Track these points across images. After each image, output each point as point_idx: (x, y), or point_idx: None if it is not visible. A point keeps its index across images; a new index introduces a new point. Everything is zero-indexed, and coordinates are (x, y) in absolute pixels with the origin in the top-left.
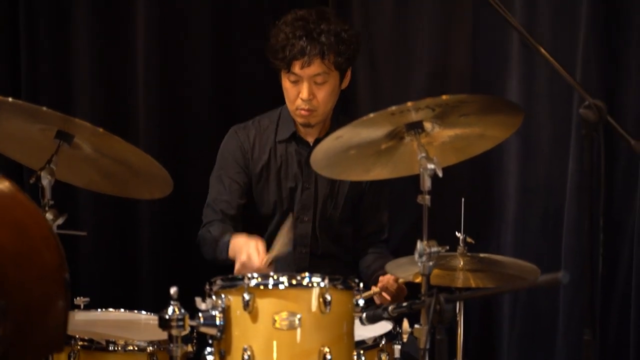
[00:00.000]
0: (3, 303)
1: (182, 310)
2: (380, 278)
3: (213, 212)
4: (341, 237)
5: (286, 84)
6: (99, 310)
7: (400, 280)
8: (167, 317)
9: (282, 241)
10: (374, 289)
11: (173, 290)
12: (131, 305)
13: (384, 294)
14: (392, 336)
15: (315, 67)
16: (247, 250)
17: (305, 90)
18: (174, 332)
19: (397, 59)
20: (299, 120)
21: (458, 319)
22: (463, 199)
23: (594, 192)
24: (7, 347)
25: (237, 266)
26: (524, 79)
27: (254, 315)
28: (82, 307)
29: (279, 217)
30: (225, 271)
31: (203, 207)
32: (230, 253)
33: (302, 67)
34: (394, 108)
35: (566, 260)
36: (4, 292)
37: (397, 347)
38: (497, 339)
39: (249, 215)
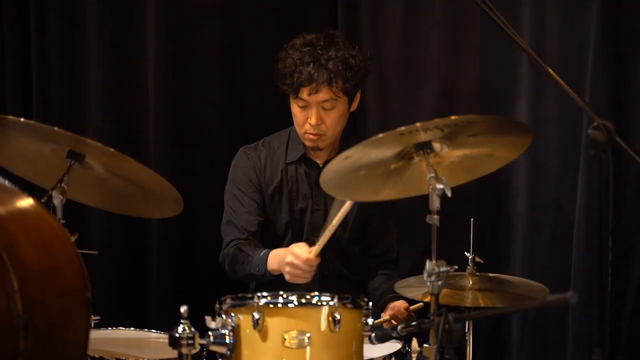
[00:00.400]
0: (26, 317)
1: (192, 329)
2: (391, 305)
3: (236, 230)
4: (350, 257)
5: (294, 108)
6: (110, 329)
7: (412, 307)
8: (177, 335)
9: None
10: (384, 317)
11: (183, 309)
12: (141, 324)
13: (393, 322)
14: (401, 355)
15: (323, 94)
16: (289, 251)
17: (313, 116)
18: (184, 350)
19: (406, 79)
20: (307, 144)
21: (467, 338)
22: (472, 219)
23: (602, 212)
24: None
25: (286, 270)
26: (533, 100)
27: (263, 334)
28: (92, 325)
29: (291, 238)
30: (235, 290)
31: (213, 226)
32: (269, 266)
33: (309, 94)
34: (402, 128)
35: (575, 280)
36: (27, 308)
37: None
38: (506, 358)
39: (263, 235)
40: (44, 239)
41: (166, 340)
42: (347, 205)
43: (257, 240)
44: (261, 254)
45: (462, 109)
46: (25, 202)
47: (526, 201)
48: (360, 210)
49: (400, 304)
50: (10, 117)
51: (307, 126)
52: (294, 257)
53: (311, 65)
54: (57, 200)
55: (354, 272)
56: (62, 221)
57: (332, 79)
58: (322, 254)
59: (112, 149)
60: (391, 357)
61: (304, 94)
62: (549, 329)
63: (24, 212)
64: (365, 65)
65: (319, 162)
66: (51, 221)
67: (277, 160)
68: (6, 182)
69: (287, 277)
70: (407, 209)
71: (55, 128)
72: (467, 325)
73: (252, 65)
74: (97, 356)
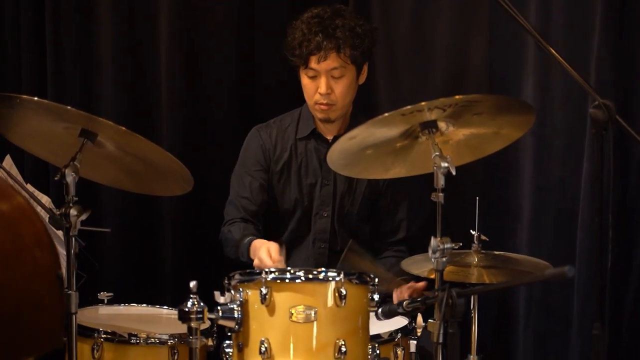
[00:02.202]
0: None
1: (201, 304)
2: (411, 283)
3: (235, 209)
4: (359, 234)
5: (304, 80)
6: (122, 305)
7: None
8: (186, 310)
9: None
10: (401, 282)
11: (192, 284)
12: (153, 300)
13: (405, 292)
14: (407, 331)
15: (331, 61)
16: (258, 254)
17: (323, 84)
18: (193, 324)
19: (416, 61)
20: (318, 115)
21: (472, 315)
22: (477, 198)
23: (604, 190)
24: None
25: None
26: (540, 80)
27: (271, 309)
28: (105, 301)
29: (300, 214)
30: (243, 266)
31: (223, 205)
32: (251, 255)
33: (318, 62)
34: (405, 108)
35: (580, 258)
36: None
37: (413, 342)
38: (513, 335)
39: (270, 212)
40: (9, 219)
41: (177, 316)
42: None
43: (257, 219)
44: (245, 241)
45: (470, 90)
46: None
47: (532, 180)
48: (370, 187)
49: (421, 285)
50: (24, 96)
51: (317, 96)
52: (259, 262)
53: (319, 34)
54: (70, 178)
55: (364, 249)
56: (75, 198)
57: (340, 45)
58: (332, 228)
59: (123, 128)
60: (398, 333)
61: (313, 62)
62: (554, 306)
63: None
64: (372, 34)
65: (329, 137)
66: (17, 199)
67: (287, 137)
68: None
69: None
70: (416, 187)
71: (68, 107)
72: (473, 302)
73: (264, 47)
74: (109, 331)
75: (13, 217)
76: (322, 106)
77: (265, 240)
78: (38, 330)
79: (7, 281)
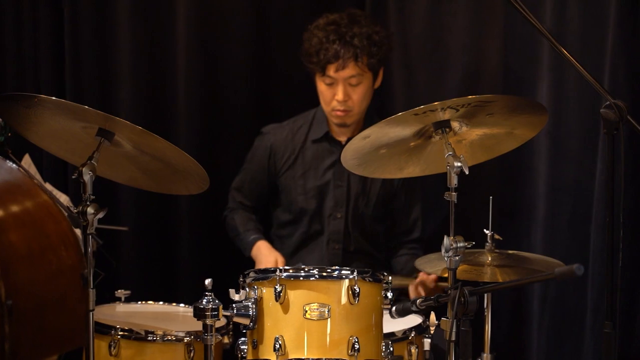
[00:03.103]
0: (10, 303)
1: (216, 301)
2: (420, 274)
3: (233, 200)
4: (373, 235)
5: (321, 86)
6: (139, 302)
7: (441, 284)
8: (201, 307)
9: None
10: (411, 280)
11: (208, 281)
12: (170, 298)
13: (419, 287)
14: (421, 329)
15: (349, 70)
16: (264, 263)
17: (340, 92)
18: (208, 321)
19: (432, 62)
20: (335, 120)
21: (486, 314)
22: (491, 198)
23: (615, 189)
24: (16, 344)
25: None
26: (555, 80)
27: (285, 306)
28: (122, 299)
29: (311, 215)
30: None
31: None
32: (253, 255)
33: (336, 70)
34: (418, 108)
35: (594, 257)
36: (13, 291)
37: (427, 340)
38: (527, 334)
39: (282, 212)
40: (36, 219)
41: (192, 313)
42: None
43: (254, 211)
44: (249, 239)
45: (485, 91)
46: (19, 181)
47: (546, 181)
48: (384, 188)
49: (432, 276)
50: (43, 95)
51: (334, 103)
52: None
53: (337, 42)
54: (88, 176)
55: (377, 249)
56: (92, 197)
57: (357, 54)
58: (346, 229)
59: (140, 127)
60: (412, 331)
61: (331, 70)
62: (568, 305)
63: (14, 192)
64: (388, 41)
65: (342, 139)
66: (45, 199)
67: (298, 138)
68: (6, 160)
69: None
70: (430, 186)
71: (86, 107)
72: (486, 301)
73: (281, 48)
74: (126, 328)
75: (39, 216)
76: (339, 112)
77: (272, 249)
78: (62, 328)
79: (33, 279)
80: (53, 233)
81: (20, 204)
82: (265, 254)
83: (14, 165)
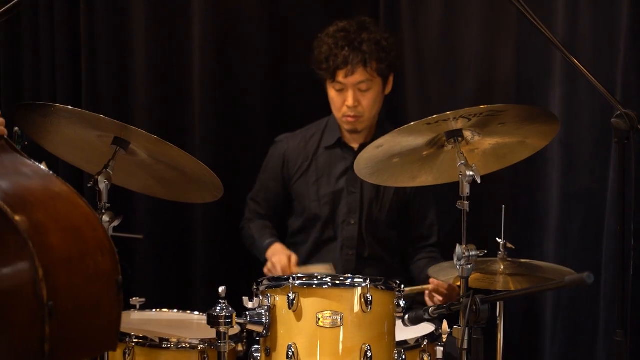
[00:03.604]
0: (51, 304)
1: (230, 308)
2: (431, 280)
3: (249, 210)
4: (387, 241)
5: (332, 93)
6: (154, 310)
7: (452, 281)
8: (215, 314)
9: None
10: (426, 286)
11: (221, 289)
12: (185, 306)
13: (435, 294)
14: (434, 337)
15: (358, 75)
16: (273, 260)
17: (350, 97)
18: (222, 329)
19: (444, 70)
20: (346, 127)
21: (498, 322)
22: (504, 206)
23: (626, 198)
24: (55, 345)
25: (265, 269)
26: (567, 89)
27: (298, 314)
28: (137, 307)
29: (324, 221)
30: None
31: None
32: (267, 255)
33: (346, 76)
34: (430, 118)
35: (606, 266)
36: (53, 293)
37: (440, 349)
38: (540, 342)
39: (296, 219)
40: (74, 224)
41: (206, 321)
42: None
43: (271, 220)
44: (265, 243)
45: (498, 100)
46: (58, 187)
47: (559, 189)
48: (398, 194)
49: (443, 284)
50: (59, 105)
51: (344, 109)
52: (272, 267)
53: (346, 48)
54: (103, 185)
55: (391, 255)
56: (107, 205)
57: (366, 60)
58: (360, 235)
59: (155, 136)
60: (424, 339)
61: (340, 76)
62: (581, 314)
63: (54, 198)
64: (397, 47)
65: (355, 146)
66: (82, 206)
67: (311, 146)
68: (42, 167)
69: (265, 270)
70: (444, 195)
71: (102, 116)
72: (498, 310)
73: (295, 57)
74: (141, 335)
75: (77, 222)
76: (350, 118)
77: (286, 248)
78: (96, 332)
79: (72, 283)
80: (90, 239)
81: (59, 210)
82: (279, 252)
83: (52, 173)
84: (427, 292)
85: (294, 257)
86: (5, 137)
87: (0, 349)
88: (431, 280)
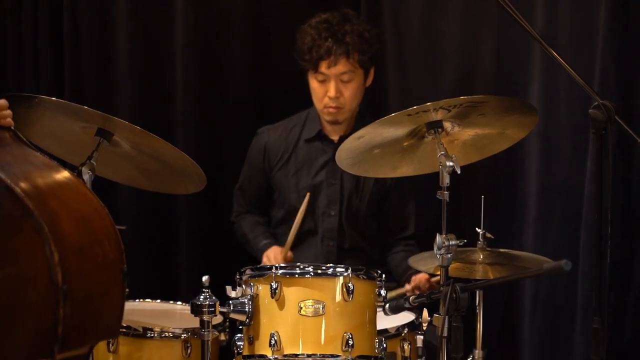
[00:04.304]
0: (65, 288)
1: (213, 297)
2: (413, 277)
3: (237, 203)
4: (367, 232)
5: (314, 83)
6: (137, 300)
7: (434, 279)
8: (198, 303)
9: (295, 225)
10: (407, 287)
11: (205, 278)
12: (168, 296)
13: (416, 292)
14: (414, 326)
15: (341, 66)
16: (269, 255)
17: (332, 88)
18: (205, 317)
19: (424, 62)
20: (326, 117)
21: (478, 311)
22: (483, 197)
23: (604, 188)
24: (67, 328)
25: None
26: (546, 82)
27: (280, 303)
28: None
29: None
30: (254, 262)
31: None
32: (264, 261)
33: (328, 67)
34: (411, 109)
35: (584, 256)
36: (67, 279)
37: (420, 337)
38: (519, 331)
39: (277, 210)
40: (84, 214)
41: (190, 310)
42: (306, 199)
43: (259, 209)
44: (260, 245)
45: (479, 92)
46: (67, 178)
47: (538, 181)
48: (378, 185)
49: (422, 276)
50: (43, 96)
51: (326, 100)
52: (267, 260)
53: (329, 39)
54: (87, 175)
55: (371, 246)
56: None
57: (349, 51)
58: (340, 226)
59: (138, 127)
60: (405, 328)
61: (323, 67)
62: (559, 303)
63: (65, 188)
64: (379, 39)
65: (334, 138)
66: (90, 197)
67: (291, 138)
68: (56, 163)
69: None
70: (424, 185)
71: (85, 107)
72: (478, 299)
73: (277, 49)
74: (124, 325)
75: (87, 211)
76: (331, 109)
77: (278, 250)
78: (103, 318)
79: (82, 270)
80: (98, 228)
81: (71, 199)
82: (269, 254)
83: (60, 165)
84: (407, 293)
85: (289, 255)
86: (13, 128)
87: (15, 331)
88: (413, 277)
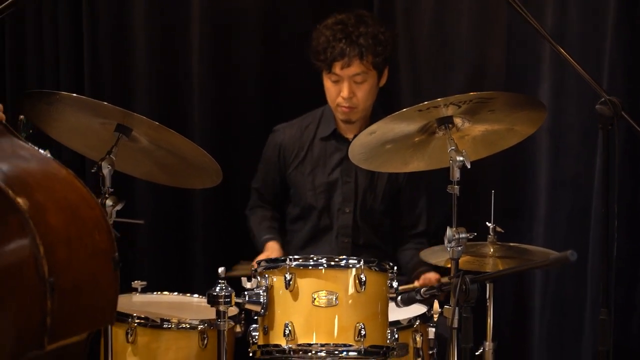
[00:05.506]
0: (52, 280)
1: (229, 288)
2: (423, 276)
3: (252, 198)
4: (381, 228)
5: (327, 83)
6: (155, 293)
7: (443, 279)
8: (215, 294)
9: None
10: (416, 284)
11: (221, 269)
12: (185, 289)
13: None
14: (426, 318)
15: (354, 68)
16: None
17: (345, 89)
18: (221, 307)
19: (436, 60)
20: (340, 116)
21: (488, 304)
22: (493, 192)
23: (610, 182)
24: (56, 319)
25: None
26: (555, 80)
27: (295, 294)
28: (139, 290)
29: (320, 209)
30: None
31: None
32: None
33: (342, 68)
34: (421, 104)
35: (593, 250)
36: (54, 270)
37: (432, 329)
38: (529, 324)
39: (293, 207)
40: (72, 205)
41: (206, 304)
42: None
43: (273, 206)
44: (261, 239)
45: (489, 89)
46: (55, 169)
47: (547, 176)
48: (391, 183)
49: (432, 275)
50: (63, 92)
51: (339, 99)
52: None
53: (343, 41)
54: (106, 170)
55: (385, 243)
56: (110, 190)
57: (362, 53)
58: (354, 223)
59: (156, 123)
60: (416, 320)
61: (337, 68)
62: (568, 296)
63: (53, 179)
64: (393, 41)
65: (349, 136)
66: (79, 187)
67: (307, 136)
68: (40, 150)
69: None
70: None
71: (105, 103)
72: (488, 291)
73: (290, 47)
74: (142, 316)
75: (75, 202)
76: (344, 109)
77: (279, 247)
78: (95, 307)
79: (71, 261)
80: (88, 218)
81: (58, 191)
82: (274, 250)
83: (49, 155)
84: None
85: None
86: (4, 122)
87: (4, 324)
88: (423, 276)
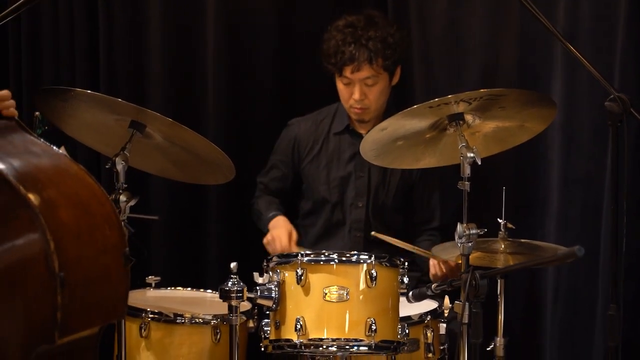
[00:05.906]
0: (62, 275)
1: (241, 283)
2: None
3: (258, 189)
4: (393, 224)
5: (339, 85)
6: (169, 288)
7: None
8: (227, 289)
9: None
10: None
11: (233, 265)
12: (198, 284)
13: (441, 264)
14: (437, 314)
15: (364, 72)
16: (274, 233)
17: (357, 91)
18: (234, 302)
19: (449, 58)
20: (353, 117)
21: (499, 300)
22: (504, 188)
23: (619, 178)
24: (67, 313)
25: (264, 240)
26: (567, 77)
27: (306, 289)
28: (153, 285)
29: (333, 204)
30: None
31: None
32: (270, 227)
33: (352, 72)
34: (432, 101)
35: (604, 247)
36: (64, 265)
37: (443, 325)
38: (540, 320)
39: (306, 201)
40: (83, 200)
41: (219, 297)
42: None
43: (280, 197)
44: (268, 216)
45: (501, 85)
46: (66, 165)
47: (559, 173)
48: (404, 179)
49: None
50: (78, 89)
51: (351, 101)
52: (272, 240)
53: (352, 45)
54: (120, 166)
55: (398, 238)
56: (125, 186)
57: (372, 57)
58: (367, 218)
59: (170, 119)
60: (427, 315)
61: (347, 72)
62: (580, 293)
63: (64, 175)
64: (403, 42)
65: (363, 132)
66: (90, 182)
67: (321, 130)
68: (52, 146)
69: (264, 241)
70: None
71: (119, 99)
72: (499, 288)
73: (304, 43)
74: (156, 311)
75: (86, 197)
76: (357, 110)
77: (288, 222)
78: (105, 302)
79: (81, 256)
80: (98, 214)
81: (69, 186)
82: (280, 226)
83: (61, 151)
84: (431, 260)
85: (294, 234)
86: (16, 118)
87: (15, 318)
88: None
